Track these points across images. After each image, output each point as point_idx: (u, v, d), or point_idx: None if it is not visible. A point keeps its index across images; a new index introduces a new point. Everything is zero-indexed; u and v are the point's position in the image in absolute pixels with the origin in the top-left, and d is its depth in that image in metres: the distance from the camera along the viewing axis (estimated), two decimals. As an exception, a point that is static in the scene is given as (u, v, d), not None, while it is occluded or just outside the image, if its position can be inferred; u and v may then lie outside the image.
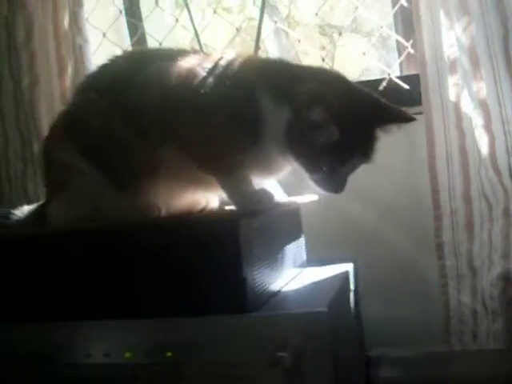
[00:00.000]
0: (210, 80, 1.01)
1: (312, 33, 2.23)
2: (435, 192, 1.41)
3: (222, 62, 1.04)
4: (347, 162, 1.01)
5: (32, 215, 1.19)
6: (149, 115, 1.03)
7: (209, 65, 1.04)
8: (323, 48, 2.13)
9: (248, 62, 1.06)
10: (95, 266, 0.97)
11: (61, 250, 0.99)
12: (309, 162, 1.01)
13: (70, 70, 1.61)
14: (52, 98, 1.61)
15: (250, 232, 0.94)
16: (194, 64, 1.05)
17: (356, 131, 0.98)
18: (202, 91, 1.00)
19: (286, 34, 2.00)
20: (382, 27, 1.62)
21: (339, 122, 0.95)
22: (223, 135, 1.00)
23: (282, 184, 1.23)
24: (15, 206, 1.23)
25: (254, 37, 1.46)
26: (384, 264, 1.51)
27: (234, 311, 0.89)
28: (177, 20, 1.74)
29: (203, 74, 1.02)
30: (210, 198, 1.18)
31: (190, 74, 1.03)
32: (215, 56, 1.08)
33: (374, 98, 1.04)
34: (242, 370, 0.87)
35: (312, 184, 1.04)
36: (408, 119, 1.04)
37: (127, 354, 0.93)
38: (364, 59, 1.67)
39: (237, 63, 1.04)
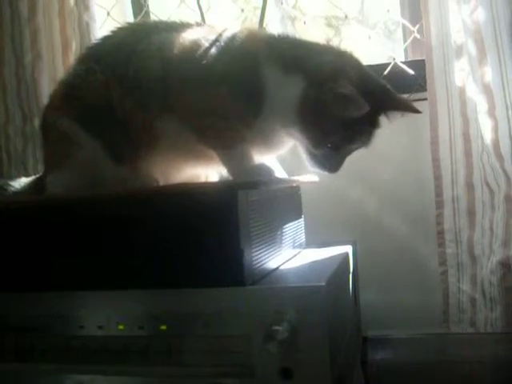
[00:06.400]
0: (214, 51, 1.00)
1: (318, 24, 2.22)
2: (437, 178, 1.41)
3: (227, 34, 1.03)
4: (355, 141, 1.00)
5: (29, 186, 1.17)
6: (149, 86, 1.02)
7: (213, 37, 1.02)
8: (329, 40, 2.12)
9: (254, 35, 1.05)
10: (91, 235, 0.95)
11: (56, 219, 0.97)
12: (317, 135, 0.99)
13: (74, 46, 1.60)
14: (55, 75, 1.59)
15: (249, 204, 0.92)
16: (198, 35, 1.03)
17: (368, 111, 0.95)
18: (205, 62, 0.99)
19: (292, 21, 1.98)
20: (388, 10, 1.62)
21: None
22: (225, 107, 0.99)
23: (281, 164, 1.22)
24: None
25: (259, 21, 1.43)
26: (383, 249, 1.50)
27: (230, 284, 0.86)
28: (182, -1, 1.72)
29: (207, 45, 1.01)
30: (209, 173, 1.16)
31: (194, 44, 1.02)
32: (220, 28, 1.06)
33: (383, 83, 1.03)
34: (238, 344, 0.85)
35: (308, 161, 1.04)
36: (414, 110, 1.04)
37: (121, 327, 0.91)
38: (369, 46, 1.66)
39: (242, 36, 1.03)
